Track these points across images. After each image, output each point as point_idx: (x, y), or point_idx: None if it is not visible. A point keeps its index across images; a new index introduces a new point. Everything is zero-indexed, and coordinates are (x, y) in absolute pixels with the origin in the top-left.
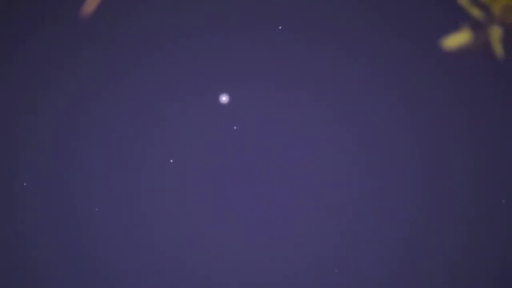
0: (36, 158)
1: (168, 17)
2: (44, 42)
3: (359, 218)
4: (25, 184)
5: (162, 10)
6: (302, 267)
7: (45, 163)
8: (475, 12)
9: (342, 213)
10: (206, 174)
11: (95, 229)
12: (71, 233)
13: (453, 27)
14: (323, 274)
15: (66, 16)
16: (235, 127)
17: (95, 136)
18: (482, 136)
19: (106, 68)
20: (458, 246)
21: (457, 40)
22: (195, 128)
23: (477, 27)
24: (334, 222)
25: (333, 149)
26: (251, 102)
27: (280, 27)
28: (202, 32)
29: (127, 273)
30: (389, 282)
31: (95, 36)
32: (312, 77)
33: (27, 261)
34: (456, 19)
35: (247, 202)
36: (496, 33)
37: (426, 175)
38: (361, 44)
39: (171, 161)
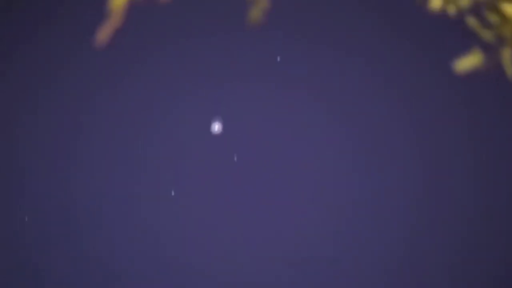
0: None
1: (171, 40)
2: (47, 50)
3: (360, 221)
4: (26, 219)
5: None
6: (305, 268)
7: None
8: (486, 35)
9: (344, 216)
10: (208, 203)
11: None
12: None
13: (464, 50)
14: (324, 276)
15: (68, 22)
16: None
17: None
18: (482, 137)
19: (108, 92)
20: (458, 247)
21: (468, 62)
22: (195, 159)
23: (488, 49)
24: (337, 226)
25: (336, 154)
26: (249, 130)
27: (278, 59)
28: (205, 65)
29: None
30: (389, 282)
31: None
32: (312, 90)
33: (31, 264)
34: (467, 42)
35: (250, 211)
36: (507, 55)
37: (426, 175)
38: (367, 62)
39: (172, 193)
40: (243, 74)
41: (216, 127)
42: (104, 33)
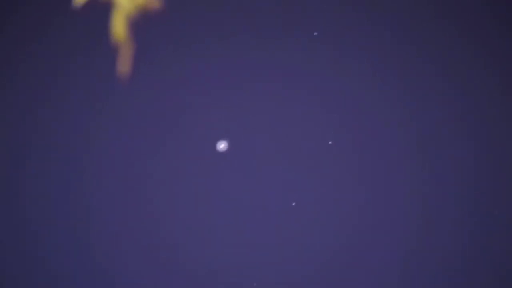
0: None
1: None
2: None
3: (362, 223)
4: None
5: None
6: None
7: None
8: None
9: (348, 219)
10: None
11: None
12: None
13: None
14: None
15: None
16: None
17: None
18: (482, 140)
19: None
20: (461, 250)
21: None
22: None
23: None
24: (339, 229)
25: (338, 157)
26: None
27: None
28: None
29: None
30: (389, 283)
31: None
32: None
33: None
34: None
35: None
36: None
37: (426, 178)
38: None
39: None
40: (246, 74)
41: (222, 145)
42: (123, 66)
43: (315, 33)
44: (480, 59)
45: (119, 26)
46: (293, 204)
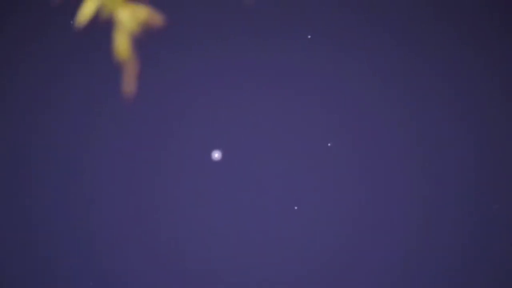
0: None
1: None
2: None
3: (361, 223)
4: None
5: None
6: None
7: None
8: None
9: (350, 220)
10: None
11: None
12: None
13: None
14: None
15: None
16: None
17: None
18: (482, 140)
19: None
20: (458, 249)
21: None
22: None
23: None
24: (340, 229)
25: (339, 160)
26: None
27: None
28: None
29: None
30: (389, 283)
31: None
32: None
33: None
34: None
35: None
36: None
37: (426, 177)
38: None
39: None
40: (247, 75)
41: (216, 155)
42: (128, 84)
43: (308, 36)
44: (480, 59)
45: (122, 45)
46: (295, 208)
